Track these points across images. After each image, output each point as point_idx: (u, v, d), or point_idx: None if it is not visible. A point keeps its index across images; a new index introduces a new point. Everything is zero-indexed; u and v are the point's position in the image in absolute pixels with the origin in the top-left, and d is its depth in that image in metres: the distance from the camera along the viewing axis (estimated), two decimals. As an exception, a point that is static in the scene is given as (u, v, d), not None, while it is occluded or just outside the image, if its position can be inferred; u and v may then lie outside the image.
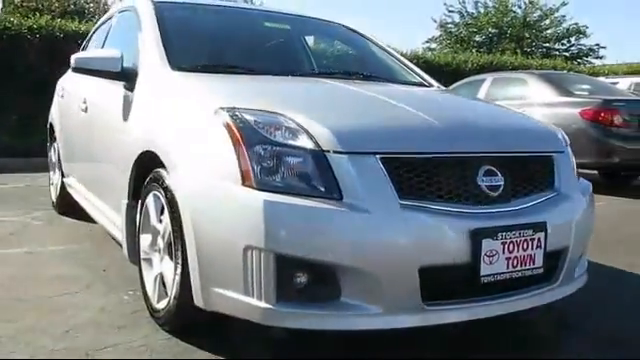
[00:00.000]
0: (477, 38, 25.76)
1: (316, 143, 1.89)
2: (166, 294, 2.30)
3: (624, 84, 10.14)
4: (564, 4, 24.42)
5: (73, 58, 2.81)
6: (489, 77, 8.13)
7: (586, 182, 2.49)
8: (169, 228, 2.20)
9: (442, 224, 1.89)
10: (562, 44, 25.55)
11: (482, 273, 1.91)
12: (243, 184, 1.87)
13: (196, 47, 2.91)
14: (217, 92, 2.22)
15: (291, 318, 1.85)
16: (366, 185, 1.85)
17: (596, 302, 2.74)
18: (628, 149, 6.22)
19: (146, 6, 3.08)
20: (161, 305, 2.31)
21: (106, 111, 3.00)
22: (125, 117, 2.70)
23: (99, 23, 4.39)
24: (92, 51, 2.83)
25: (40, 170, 6.92)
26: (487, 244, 1.91)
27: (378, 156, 1.89)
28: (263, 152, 1.89)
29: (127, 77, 2.76)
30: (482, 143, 2.12)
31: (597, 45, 25.11)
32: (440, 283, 1.89)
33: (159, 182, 2.27)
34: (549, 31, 25.55)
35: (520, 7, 25.48)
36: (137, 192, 2.55)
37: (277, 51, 3.28)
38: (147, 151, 2.38)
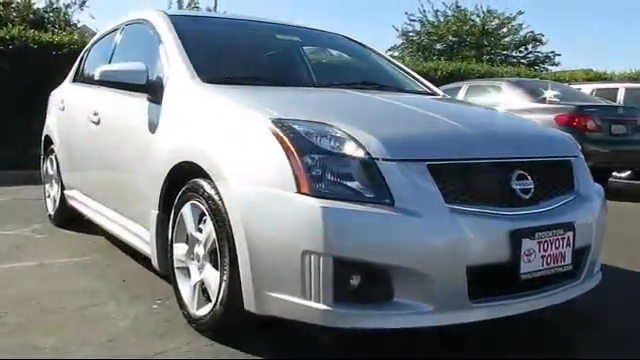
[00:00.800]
0: (438, 46, 26.31)
1: (366, 151, 1.99)
2: (207, 301, 2.36)
3: (587, 90, 10.55)
4: (520, 13, 25.31)
5: (99, 71, 2.84)
6: (465, 84, 8.39)
7: (598, 185, 2.66)
8: (213, 236, 2.26)
9: (485, 225, 2.02)
10: (520, 51, 26.39)
11: (522, 271, 2.05)
12: (298, 192, 1.96)
13: (217, 59, 2.98)
14: (259, 104, 2.30)
15: (348, 318, 1.95)
16: (415, 191, 1.97)
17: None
18: (601, 152, 6.52)
19: (162, 19, 3.14)
20: (202, 312, 2.37)
21: (126, 123, 3.04)
22: (152, 129, 2.75)
23: (98, 37, 4.40)
24: (117, 64, 2.86)
25: (20, 183, 6.85)
26: (526, 243, 2.05)
27: (425, 163, 2.01)
28: (316, 161, 1.98)
29: (152, 89, 2.81)
30: (513, 149, 2.26)
31: (552, 52, 26.05)
32: (484, 281, 2.01)
33: (199, 192, 2.33)
34: (507, 39, 26.35)
35: (479, 16, 26.20)
36: (167, 202, 2.61)
37: (294, 62, 3.38)
38: (184, 162, 2.44)
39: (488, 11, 26.02)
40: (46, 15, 22.35)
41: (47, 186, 4.69)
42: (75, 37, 9.36)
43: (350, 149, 2.01)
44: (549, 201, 2.26)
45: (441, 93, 3.43)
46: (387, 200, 1.94)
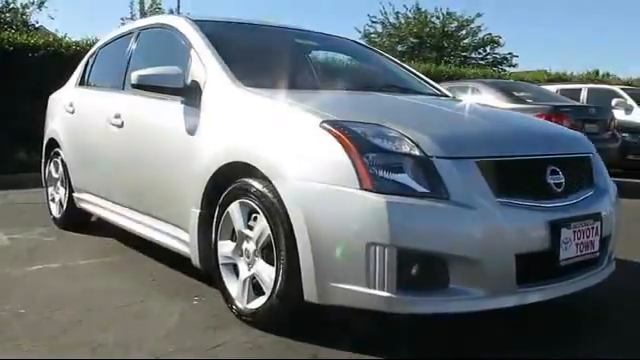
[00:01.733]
0: (400, 48, 26.74)
1: (421, 150, 2.15)
2: (257, 295, 2.48)
3: (552, 90, 10.98)
4: (478, 15, 25.97)
5: (136, 75, 2.92)
6: (443, 86, 8.63)
7: (611, 180, 2.89)
8: (267, 232, 2.38)
9: (529, 217, 2.22)
10: (479, 53, 27.10)
11: (561, 257, 2.25)
12: (361, 188, 2.10)
13: (250, 64, 3.08)
14: (311, 107, 2.42)
15: (409, 305, 2.11)
16: (468, 185, 2.14)
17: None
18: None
19: (189, 25, 3.23)
20: (254, 305, 2.49)
21: (159, 126, 3.11)
22: (191, 131, 2.84)
23: (104, 42, 4.42)
24: (152, 69, 2.93)
25: (4, 187, 6.75)
26: (564, 233, 2.25)
27: (474, 160, 2.19)
28: (376, 159, 2.13)
29: (188, 93, 2.90)
30: (546, 147, 2.47)
31: (510, 54, 26.84)
32: (529, 268, 2.20)
33: (250, 190, 2.45)
34: (466, 41, 27.03)
35: (438, 18, 26.80)
36: (209, 202, 2.71)
37: (319, 67, 3.52)
38: (233, 162, 2.56)
39: (448, 13, 26.64)
40: (2, 15, 21.78)
41: (51, 189, 4.68)
42: (51, 39, 9.21)
43: (406, 148, 2.17)
44: (576, 194, 2.46)
45: (450, 95, 3.62)
46: (444, 194, 2.11)
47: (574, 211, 2.34)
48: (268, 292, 2.41)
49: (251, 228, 2.52)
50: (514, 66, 26.37)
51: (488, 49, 27.07)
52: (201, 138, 2.79)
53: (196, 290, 3.01)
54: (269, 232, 2.38)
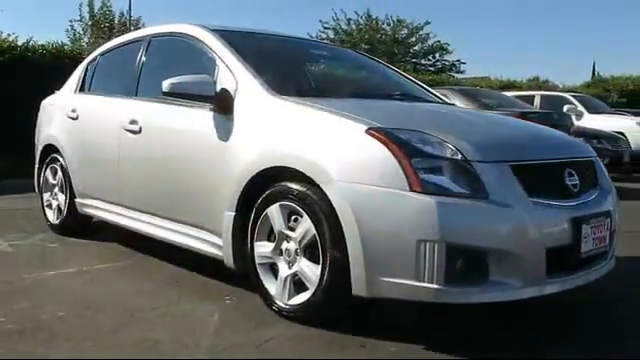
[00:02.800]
0: (352, 54, 27.16)
1: (462, 155, 2.37)
2: (297, 292, 2.64)
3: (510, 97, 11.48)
4: (427, 23, 26.74)
5: (168, 83, 3.01)
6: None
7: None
8: (312, 232, 2.54)
9: (557, 214, 2.47)
10: (428, 59, 27.90)
11: (582, 250, 2.51)
12: (410, 190, 2.30)
13: (277, 73, 3.22)
14: (352, 114, 2.60)
15: (455, 295, 2.32)
16: (504, 186, 2.37)
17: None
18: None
19: (211, 34, 3.35)
20: (295, 301, 2.64)
21: (188, 132, 3.20)
22: (224, 138, 2.96)
23: (106, 48, 4.46)
24: (182, 77, 3.02)
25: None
26: (584, 229, 2.51)
27: (508, 164, 2.42)
28: (422, 163, 2.34)
29: (219, 101, 3.03)
30: (562, 151, 2.75)
31: (458, 60, 27.75)
32: (556, 260, 2.44)
33: (291, 193, 2.61)
34: (416, 47, 27.78)
35: (389, 25, 27.43)
36: (244, 205, 2.85)
37: (338, 75, 3.69)
38: (271, 167, 2.71)
39: (398, 20, 27.31)
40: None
41: (47, 195, 4.66)
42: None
43: (448, 153, 2.38)
44: (587, 194, 2.73)
45: (450, 102, 3.88)
46: (484, 195, 2.33)
47: (589, 209, 2.61)
48: (313, 288, 2.56)
49: (291, 229, 2.67)
50: (461, 72, 27.29)
51: (437, 56, 27.91)
52: (236, 144, 2.91)
53: (224, 290, 3.13)
54: (314, 232, 2.54)
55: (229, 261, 2.97)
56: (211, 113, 3.06)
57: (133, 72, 3.83)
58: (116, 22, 25.85)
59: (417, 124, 2.58)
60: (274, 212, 2.72)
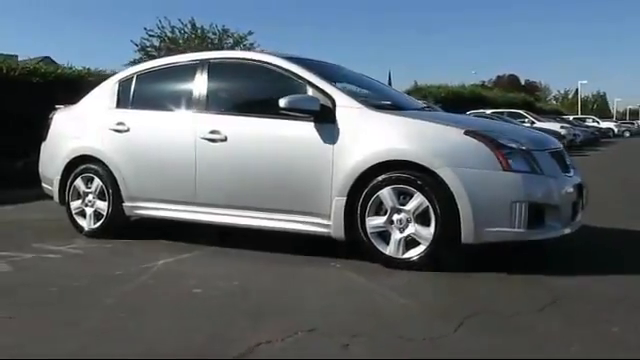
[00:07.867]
0: (179, 63, 27.11)
1: (526, 147, 3.71)
2: (408, 248, 3.74)
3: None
4: (250, 33, 27.54)
5: (285, 100, 3.89)
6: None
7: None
8: (425, 204, 3.67)
9: (572, 182, 3.94)
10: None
11: (581, 204, 4.01)
12: (503, 170, 3.57)
13: (349, 92, 4.27)
14: (442, 121, 3.82)
15: (531, 235, 3.65)
16: (549, 166, 3.77)
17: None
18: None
19: (285, 60, 4.29)
20: (409, 254, 3.74)
21: (296, 139, 4.08)
22: (331, 142, 3.91)
23: (146, 68, 5.02)
24: (295, 96, 3.92)
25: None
26: (583, 191, 4.01)
27: (547, 151, 3.83)
28: (507, 152, 3.62)
29: (321, 115, 3.98)
30: (555, 143, 4.25)
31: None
32: (573, 211, 3.90)
33: (400, 179, 3.72)
34: (244, 56, 28.49)
35: (215, 34, 27.82)
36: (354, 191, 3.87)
37: (379, 92, 4.83)
38: (384, 161, 3.77)
39: (223, 30, 27.81)
40: None
41: (77, 203, 4.93)
42: None
43: (517, 145, 3.70)
44: (573, 170, 4.23)
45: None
46: (540, 171, 3.69)
47: (578, 179, 4.11)
48: (427, 243, 3.69)
49: (404, 205, 3.75)
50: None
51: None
52: (343, 146, 3.90)
53: (326, 259, 4.01)
54: (427, 204, 3.66)
55: (339, 234, 3.93)
56: (315, 124, 3.99)
57: (197, 91, 4.52)
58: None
59: (481, 128, 3.86)
60: (386, 194, 3.78)
